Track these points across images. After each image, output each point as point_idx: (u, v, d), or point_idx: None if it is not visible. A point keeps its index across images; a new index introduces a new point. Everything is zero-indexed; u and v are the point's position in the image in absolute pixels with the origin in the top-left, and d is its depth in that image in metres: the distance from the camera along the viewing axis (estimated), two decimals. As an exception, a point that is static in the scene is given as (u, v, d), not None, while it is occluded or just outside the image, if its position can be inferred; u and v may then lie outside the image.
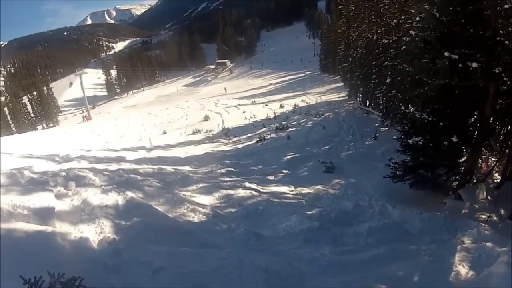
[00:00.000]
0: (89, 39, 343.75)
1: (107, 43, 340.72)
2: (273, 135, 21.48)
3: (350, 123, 21.76)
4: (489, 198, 9.37)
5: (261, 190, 10.35)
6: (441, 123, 8.74)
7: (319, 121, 23.77)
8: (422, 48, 9.09)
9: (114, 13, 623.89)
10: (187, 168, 14.28)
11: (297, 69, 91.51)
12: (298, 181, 11.37)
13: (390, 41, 19.40)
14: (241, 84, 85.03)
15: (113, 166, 13.81)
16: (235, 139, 22.10)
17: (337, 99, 37.17)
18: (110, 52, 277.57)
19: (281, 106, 34.73)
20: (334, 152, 15.80)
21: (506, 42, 7.83)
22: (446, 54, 7.85)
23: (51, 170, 12.02)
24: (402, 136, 9.65)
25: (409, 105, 10.23)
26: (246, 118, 30.32)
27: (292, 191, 10.37)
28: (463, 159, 9.41)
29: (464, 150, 9.21)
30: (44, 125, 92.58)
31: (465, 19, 8.18)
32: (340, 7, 38.72)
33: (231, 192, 10.37)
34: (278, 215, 8.61)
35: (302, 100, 38.65)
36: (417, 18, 10.34)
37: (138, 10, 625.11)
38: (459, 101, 8.59)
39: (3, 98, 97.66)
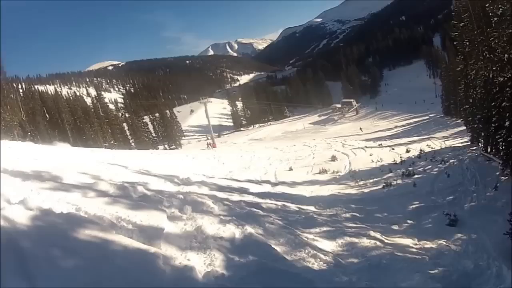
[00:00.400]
0: (213, 69, 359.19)
1: (231, 74, 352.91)
2: (399, 181, 21.44)
3: (473, 171, 21.04)
4: None
5: (385, 240, 10.39)
6: None
7: (444, 168, 23.34)
8: None
9: (235, 46, 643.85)
10: (312, 208, 14.72)
11: (421, 111, 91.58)
12: (421, 233, 11.38)
13: (505, 78, 18.08)
14: (367, 125, 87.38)
15: (235, 197, 14.39)
16: (361, 182, 22.41)
17: (460, 144, 36.62)
18: (235, 84, 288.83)
19: (407, 151, 35.13)
20: (457, 203, 15.47)
21: None
22: None
23: (168, 191, 12.75)
24: None
25: None
26: (373, 161, 30.65)
27: (416, 244, 10.39)
28: None
29: None
30: (166, 145, 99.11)
31: None
32: (455, 42, 35.90)
33: (355, 240, 10.20)
34: (401, 272, 8.31)
35: (427, 145, 38.74)
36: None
37: (260, 44, 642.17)
38: None
39: (120, 114, 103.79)
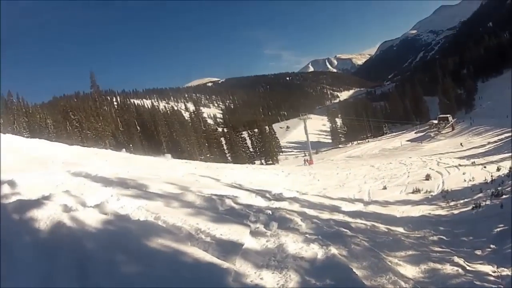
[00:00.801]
0: (313, 86, 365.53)
1: (331, 91, 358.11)
2: (488, 201, 20.02)
3: None
4: None
5: (467, 267, 9.71)
6: None
7: None
8: None
9: (335, 62, 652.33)
10: (401, 229, 14.25)
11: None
12: (502, 260, 10.52)
13: None
14: (462, 141, 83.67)
15: (325, 215, 14.01)
16: (452, 203, 21.49)
17: None
18: (335, 100, 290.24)
19: (498, 169, 33.43)
20: None
21: None
22: None
23: (257, 205, 12.57)
24: None
25: None
26: (465, 180, 29.45)
27: (495, 272, 9.67)
28: None
29: None
30: (263, 161, 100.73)
31: None
32: None
33: (438, 266, 9.51)
34: None
35: None
36: None
37: (359, 59, 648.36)
38: None
39: (219, 129, 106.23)
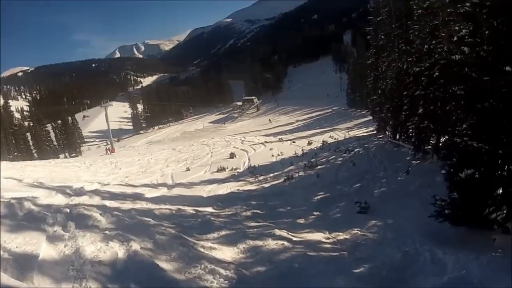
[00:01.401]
0: (117, 72, 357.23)
1: (135, 77, 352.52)
2: (301, 173, 20.51)
3: (380, 158, 20.89)
4: None
5: (294, 238, 8.88)
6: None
7: (348, 158, 22.88)
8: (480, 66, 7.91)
9: (142, 48, 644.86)
10: (209, 209, 13.18)
11: (324, 105, 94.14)
12: (331, 225, 10.19)
13: (422, 68, 18.34)
14: (267, 121, 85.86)
15: (127, 205, 12.90)
16: (261, 177, 21.09)
17: (365, 133, 37.07)
18: (138, 87, 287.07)
19: (309, 143, 34.31)
20: (366, 190, 14.66)
21: None
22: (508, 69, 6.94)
23: (57, 204, 11.14)
24: (452, 170, 8.47)
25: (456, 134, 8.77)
26: (273, 155, 29.47)
27: (328, 238, 9.01)
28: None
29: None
30: (67, 154, 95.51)
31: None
32: (368, 37, 38.36)
33: (259, 243, 8.63)
34: (320, 277, 6.69)
35: (330, 136, 38.38)
36: (463, 32, 8.98)
37: (167, 45, 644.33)
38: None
39: (26, 123, 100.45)
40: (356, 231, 9.28)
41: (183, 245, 7.81)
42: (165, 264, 6.72)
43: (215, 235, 9.36)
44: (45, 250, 6.44)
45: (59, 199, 12.45)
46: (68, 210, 9.62)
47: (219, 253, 7.90)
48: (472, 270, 6.24)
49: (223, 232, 9.56)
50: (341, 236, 9.05)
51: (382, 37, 30.86)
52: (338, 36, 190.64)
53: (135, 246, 7.09)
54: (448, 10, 15.80)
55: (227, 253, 8.01)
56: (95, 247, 6.89)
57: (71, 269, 6.03)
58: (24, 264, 5.69)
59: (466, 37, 8.97)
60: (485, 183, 7.87)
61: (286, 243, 8.51)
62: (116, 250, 6.84)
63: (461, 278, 6.08)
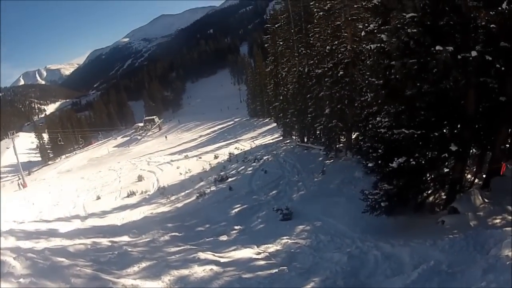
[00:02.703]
0: (22, 101, 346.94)
1: (38, 105, 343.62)
2: (213, 188, 20.26)
3: (291, 162, 20.99)
4: (485, 200, 8.41)
5: (221, 260, 8.00)
6: (435, 134, 7.67)
7: (259, 166, 22.92)
8: (403, 50, 7.82)
9: (44, 73, 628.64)
10: (126, 238, 12.42)
11: (225, 117, 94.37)
12: (257, 238, 9.64)
13: (325, 69, 18.59)
14: (171, 139, 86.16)
15: (41, 244, 11.66)
16: (173, 197, 20.57)
17: (271, 140, 37.12)
18: (42, 115, 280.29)
19: (216, 157, 34.02)
20: (284, 196, 14.63)
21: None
22: (438, 48, 6.83)
23: None
24: (380, 162, 8.37)
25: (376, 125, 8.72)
26: (181, 173, 29.02)
27: (259, 253, 8.23)
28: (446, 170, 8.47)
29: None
30: None
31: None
32: (266, 45, 38.13)
33: (184, 272, 7.62)
34: None
35: (236, 148, 38.03)
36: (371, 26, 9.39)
37: (67, 69, 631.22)
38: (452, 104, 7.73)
39: None
40: (286, 240, 8.81)
41: (102, 286, 6.83)
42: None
43: (136, 268, 8.25)
44: None
45: None
46: None
47: None
48: (435, 257, 5.95)
49: (144, 264, 8.48)
50: (272, 248, 8.49)
51: (281, 43, 31.07)
52: (235, 48, 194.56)
53: None
54: (356, 6, 16.44)
55: None
56: None
57: None
58: None
59: (375, 30, 9.23)
60: (419, 168, 7.88)
61: (214, 267, 7.68)
62: None
63: (430, 269, 5.64)
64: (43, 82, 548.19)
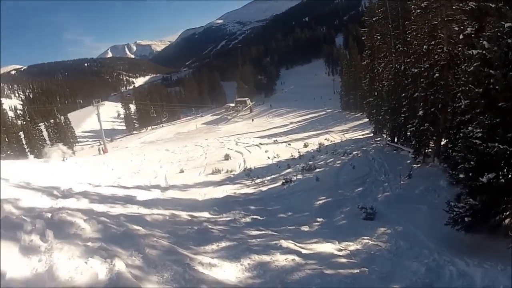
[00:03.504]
0: (109, 72, 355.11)
1: (127, 77, 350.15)
2: (299, 176, 19.97)
3: (380, 161, 20.44)
4: None
5: (303, 251, 7.73)
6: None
7: (348, 160, 22.43)
8: (504, 60, 7.51)
9: (134, 48, 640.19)
10: (206, 215, 12.47)
11: (318, 107, 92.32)
12: (339, 233, 9.40)
13: (422, 69, 18.00)
14: (261, 122, 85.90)
15: (117, 209, 12.00)
16: (258, 180, 20.61)
17: (361, 136, 36.42)
18: (130, 87, 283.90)
19: (305, 145, 33.76)
20: (369, 194, 14.33)
21: None
22: None
23: (40, 208, 10.25)
24: (470, 174, 7.95)
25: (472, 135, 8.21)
26: (269, 158, 29.14)
27: (340, 250, 7.98)
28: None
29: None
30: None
31: None
32: (363, 37, 37.66)
33: (266, 258, 7.31)
34: None
35: (326, 139, 37.82)
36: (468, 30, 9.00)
37: (158, 46, 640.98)
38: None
39: (19, 122, 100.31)
40: (367, 240, 8.62)
41: (178, 263, 6.48)
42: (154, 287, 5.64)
43: (214, 247, 8.05)
44: (16, 266, 5.34)
45: (43, 202, 11.75)
46: (49, 215, 8.37)
47: (220, 272, 6.63)
48: (504, 283, 5.90)
49: (223, 244, 8.23)
50: (352, 246, 8.30)
51: (378, 38, 30.33)
52: (330, 39, 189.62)
53: (119, 265, 5.83)
54: (454, 7, 15.50)
55: (230, 272, 6.77)
56: (72, 265, 5.64)
57: (41, 293, 4.99)
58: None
59: (472, 34, 8.90)
60: (506, 187, 7.46)
61: (296, 257, 7.39)
62: (96, 270, 5.62)
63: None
64: (132, 56, 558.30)
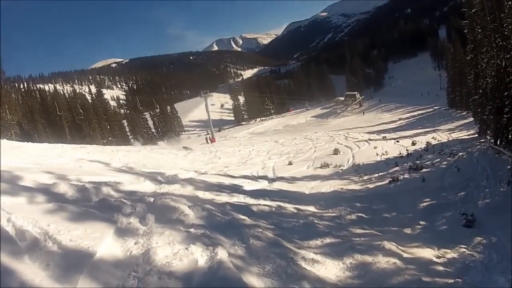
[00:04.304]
0: (216, 65, 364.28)
1: (234, 69, 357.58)
2: (406, 175, 19.97)
3: (483, 164, 19.52)
4: None
5: (404, 255, 7.81)
6: None
7: (453, 162, 21.95)
8: None
9: (240, 41, 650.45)
10: (312, 208, 12.68)
11: (425, 103, 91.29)
12: (439, 238, 9.44)
13: None
14: (370, 118, 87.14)
15: (222, 197, 12.17)
16: (366, 177, 21.02)
17: (466, 136, 35.69)
18: (238, 79, 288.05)
19: (413, 143, 33.94)
20: (470, 199, 13.99)
21: None
22: None
23: (142, 192, 10.76)
24: None
25: None
26: (377, 154, 29.46)
27: (439, 257, 8.10)
28: None
29: None
30: (165, 141, 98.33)
31: None
32: (465, 30, 35.98)
33: (368, 258, 7.25)
34: None
35: (433, 137, 37.77)
36: None
37: (264, 39, 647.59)
38: None
39: (122, 111, 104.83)
40: (464, 249, 8.54)
41: (281, 256, 6.48)
42: (256, 280, 5.59)
43: (318, 242, 8.16)
44: (108, 247, 5.53)
45: (146, 186, 12.19)
46: (152, 200, 8.79)
47: (322, 268, 6.59)
48: None
49: (328, 240, 8.36)
50: (450, 254, 8.31)
51: (479, 30, 28.52)
52: (433, 31, 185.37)
53: (222, 253, 5.87)
54: None
55: (331, 269, 6.74)
56: (170, 251, 5.77)
57: (133, 275, 4.99)
58: (74, 263, 4.77)
59: None
60: None
61: (397, 261, 7.28)
62: (197, 257, 5.68)
63: None
64: (238, 49, 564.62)
